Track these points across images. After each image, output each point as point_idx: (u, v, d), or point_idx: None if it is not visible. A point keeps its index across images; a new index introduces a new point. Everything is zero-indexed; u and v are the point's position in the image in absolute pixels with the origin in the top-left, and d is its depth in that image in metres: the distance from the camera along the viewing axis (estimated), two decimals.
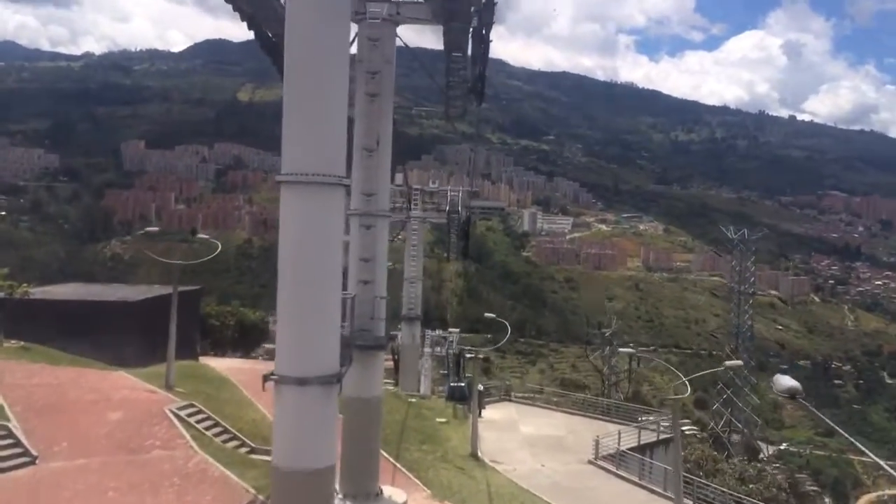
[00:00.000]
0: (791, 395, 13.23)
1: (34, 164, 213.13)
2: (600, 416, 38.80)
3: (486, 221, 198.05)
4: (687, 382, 23.10)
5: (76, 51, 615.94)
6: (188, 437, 22.14)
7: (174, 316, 26.73)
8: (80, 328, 28.57)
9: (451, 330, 56.74)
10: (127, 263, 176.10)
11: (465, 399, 38.20)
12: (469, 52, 19.67)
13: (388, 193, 20.66)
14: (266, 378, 12.56)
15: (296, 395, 12.45)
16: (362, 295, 18.92)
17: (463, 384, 41.58)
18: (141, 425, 22.41)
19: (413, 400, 38.22)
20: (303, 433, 12.62)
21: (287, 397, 12.54)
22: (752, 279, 62.60)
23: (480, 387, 35.96)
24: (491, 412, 37.96)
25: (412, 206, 45.63)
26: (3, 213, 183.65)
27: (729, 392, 66.33)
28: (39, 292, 33.05)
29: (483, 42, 18.86)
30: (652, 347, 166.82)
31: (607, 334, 56.27)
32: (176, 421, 23.18)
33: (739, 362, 28.42)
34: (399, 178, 45.94)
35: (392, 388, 45.98)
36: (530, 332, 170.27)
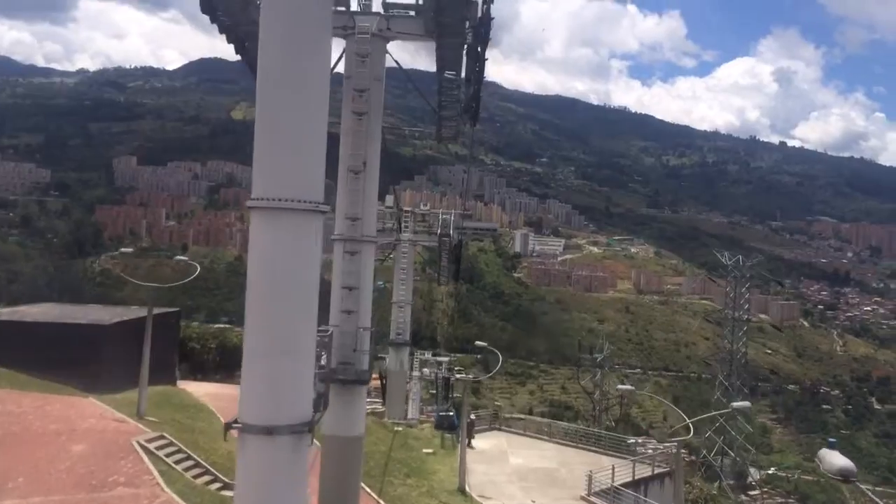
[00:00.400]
0: (844, 477, 12.00)
1: (25, 179, 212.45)
2: (593, 448, 37.30)
3: (478, 242, 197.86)
4: (691, 425, 22.59)
5: (71, 67, 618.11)
6: (156, 472, 20.98)
7: (148, 340, 25.63)
8: (49, 352, 27.13)
9: (438, 356, 55.56)
10: (116, 279, 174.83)
11: (453, 428, 37.00)
12: (463, 70, 18.64)
13: (375, 218, 19.58)
14: (228, 426, 11.35)
15: (262, 445, 11.05)
16: (345, 326, 17.80)
17: (452, 413, 40.33)
18: (105, 459, 21.15)
19: (399, 428, 37.12)
20: (269, 489, 11.18)
21: (251, 448, 11.09)
22: (746, 306, 61.64)
23: (472, 416, 34.69)
24: (480, 442, 36.77)
25: (402, 229, 44.02)
26: None
27: (722, 420, 65.49)
28: (8, 313, 31.78)
29: (478, 60, 17.78)
30: (641, 370, 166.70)
31: (598, 359, 54.98)
32: (143, 454, 21.99)
33: (747, 404, 27.74)
34: (389, 199, 45.36)
35: (380, 406, 45.24)
36: (520, 353, 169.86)
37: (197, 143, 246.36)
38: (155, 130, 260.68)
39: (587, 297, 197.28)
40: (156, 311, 27.35)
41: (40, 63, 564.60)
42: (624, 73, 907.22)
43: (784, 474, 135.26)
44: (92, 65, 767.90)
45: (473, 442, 35.19)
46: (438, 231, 43.47)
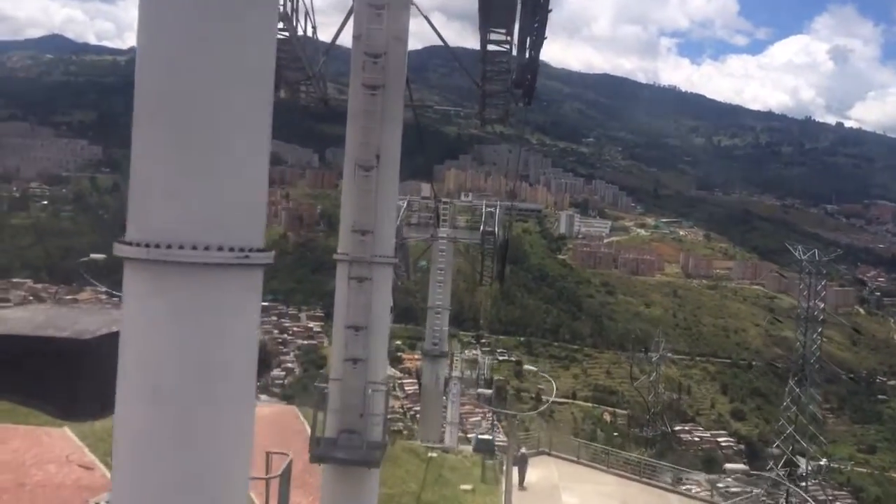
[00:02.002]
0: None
1: (77, 155, 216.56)
2: (659, 483, 31.82)
3: (523, 223, 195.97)
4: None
5: (122, 45, 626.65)
6: None
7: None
8: (20, 370, 22.28)
9: (482, 338, 53.04)
10: None
11: (493, 452, 33.28)
12: (516, 29, 13.39)
13: (394, 231, 14.43)
14: None
15: None
16: (350, 380, 13.23)
17: (490, 437, 36.36)
18: None
19: (434, 454, 31.85)
20: None
21: None
22: (822, 305, 54.55)
23: (521, 449, 30.10)
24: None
25: (441, 223, 37.68)
26: (46, 202, 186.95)
27: (796, 424, 58.57)
28: None
29: (537, 11, 12.59)
30: (689, 356, 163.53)
31: (654, 358, 50.87)
32: None
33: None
34: (426, 188, 41.36)
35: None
36: (564, 336, 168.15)
37: None
38: None
39: (634, 281, 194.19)
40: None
41: (92, 41, 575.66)
42: (673, 50, 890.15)
43: (837, 465, 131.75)
44: None
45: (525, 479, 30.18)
46: (482, 228, 37.19)
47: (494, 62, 15.04)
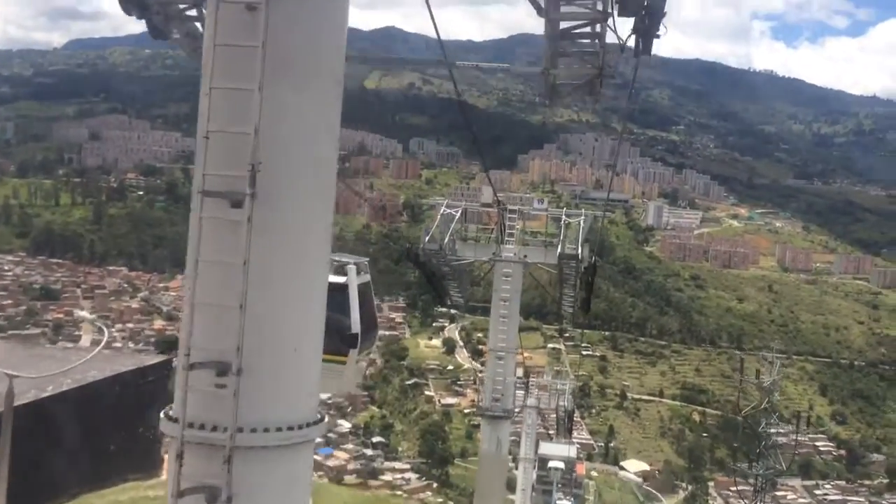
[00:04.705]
0: None
1: (172, 147, 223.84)
2: None
3: (609, 214, 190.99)
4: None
5: None
6: None
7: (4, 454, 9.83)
8: None
9: (563, 340, 48.55)
10: None
11: None
12: None
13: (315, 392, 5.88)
14: None
15: None
16: None
17: (571, 501, 30.09)
18: None
19: None
20: None
21: None
22: None
23: None
24: None
25: (506, 237, 26.58)
26: (141, 192, 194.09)
27: None
28: None
29: None
30: (785, 354, 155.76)
31: (765, 383, 43.14)
32: None
33: None
34: (487, 192, 29.10)
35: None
36: (651, 331, 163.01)
37: None
38: None
39: (725, 274, 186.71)
40: (136, 364, 18.96)
41: None
42: (767, 34, 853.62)
43: None
44: None
45: None
46: (559, 248, 26.20)
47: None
